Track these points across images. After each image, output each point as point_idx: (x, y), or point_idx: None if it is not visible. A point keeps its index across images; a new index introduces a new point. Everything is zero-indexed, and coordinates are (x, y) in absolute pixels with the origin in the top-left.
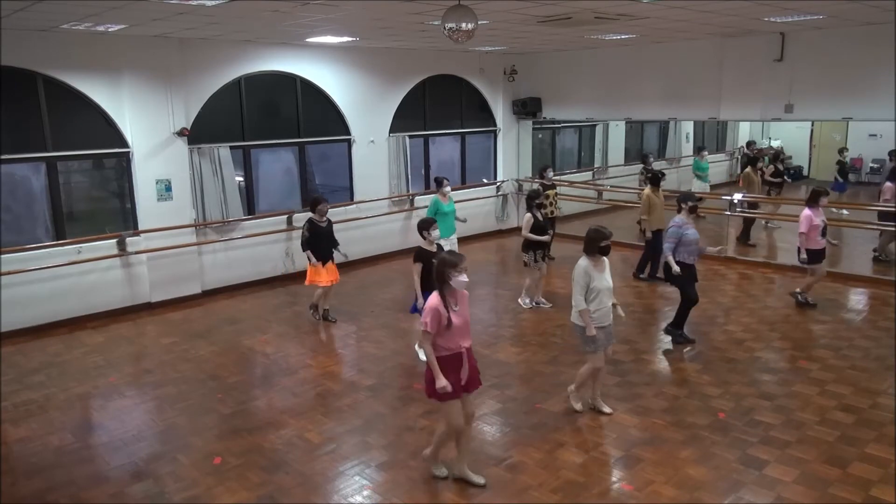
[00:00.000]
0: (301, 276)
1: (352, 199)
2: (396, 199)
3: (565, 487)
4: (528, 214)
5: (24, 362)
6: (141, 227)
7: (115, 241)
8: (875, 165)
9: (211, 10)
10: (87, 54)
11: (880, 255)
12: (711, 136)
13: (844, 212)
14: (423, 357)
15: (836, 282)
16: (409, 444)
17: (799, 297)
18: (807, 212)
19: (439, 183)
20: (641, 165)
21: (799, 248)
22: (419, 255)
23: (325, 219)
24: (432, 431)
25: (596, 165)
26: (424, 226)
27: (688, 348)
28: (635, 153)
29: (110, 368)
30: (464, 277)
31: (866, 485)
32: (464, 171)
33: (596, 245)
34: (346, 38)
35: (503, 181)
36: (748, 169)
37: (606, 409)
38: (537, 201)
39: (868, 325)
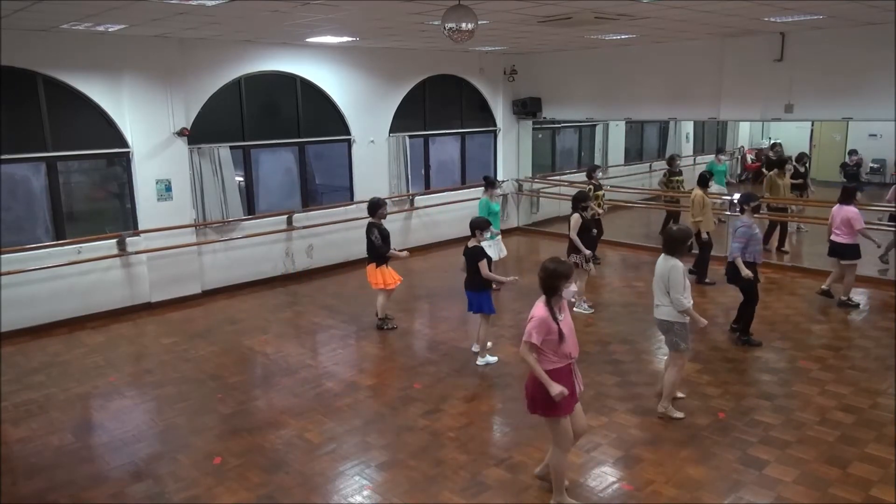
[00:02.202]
0: (301, 276)
1: (352, 199)
2: (396, 199)
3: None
4: (577, 215)
5: (24, 362)
6: (141, 227)
7: (115, 241)
8: (875, 165)
9: (211, 10)
10: (87, 54)
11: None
12: (711, 137)
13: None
14: (491, 361)
15: (836, 281)
16: (409, 444)
17: (850, 301)
18: (851, 208)
19: (492, 184)
20: (667, 168)
21: (862, 243)
22: (482, 252)
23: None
24: (432, 431)
25: (596, 165)
26: (482, 226)
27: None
28: (635, 153)
29: (110, 368)
30: (573, 287)
31: (866, 485)
32: (464, 171)
33: (683, 245)
34: (346, 38)
35: (503, 181)
36: (773, 172)
37: (680, 395)
38: (583, 204)
39: (868, 325)
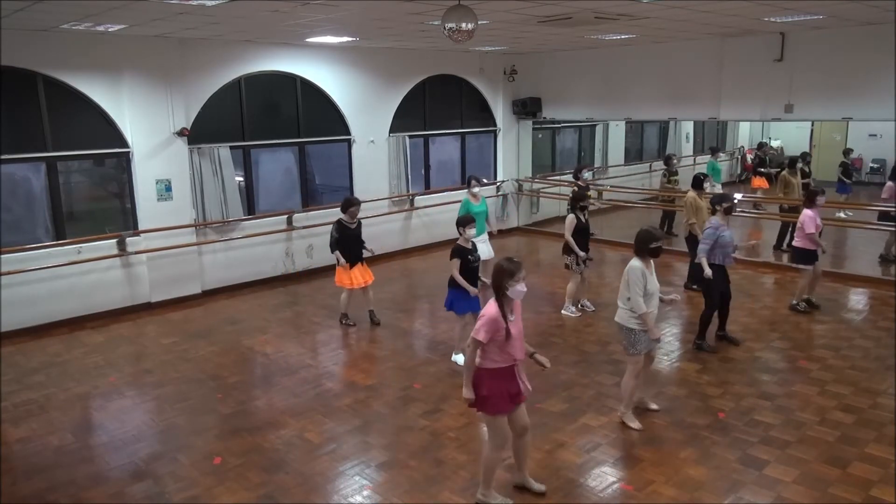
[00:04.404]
0: (301, 276)
1: None
2: (396, 199)
3: (565, 487)
4: (572, 216)
5: (24, 362)
6: (141, 227)
7: (115, 241)
8: (875, 165)
9: (211, 10)
10: (87, 54)
11: (888, 256)
12: (711, 136)
13: (849, 213)
14: (460, 362)
15: (836, 282)
16: (409, 444)
17: (799, 305)
18: (809, 213)
19: (469, 182)
20: (664, 168)
21: (815, 247)
22: (456, 251)
23: (355, 220)
24: (432, 431)
25: (596, 165)
26: (461, 223)
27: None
28: (635, 153)
29: (110, 368)
30: (522, 287)
31: (866, 485)
32: (464, 171)
33: (647, 246)
34: (346, 38)
35: (503, 181)
36: (785, 171)
37: (653, 406)
38: (581, 203)
39: (868, 325)
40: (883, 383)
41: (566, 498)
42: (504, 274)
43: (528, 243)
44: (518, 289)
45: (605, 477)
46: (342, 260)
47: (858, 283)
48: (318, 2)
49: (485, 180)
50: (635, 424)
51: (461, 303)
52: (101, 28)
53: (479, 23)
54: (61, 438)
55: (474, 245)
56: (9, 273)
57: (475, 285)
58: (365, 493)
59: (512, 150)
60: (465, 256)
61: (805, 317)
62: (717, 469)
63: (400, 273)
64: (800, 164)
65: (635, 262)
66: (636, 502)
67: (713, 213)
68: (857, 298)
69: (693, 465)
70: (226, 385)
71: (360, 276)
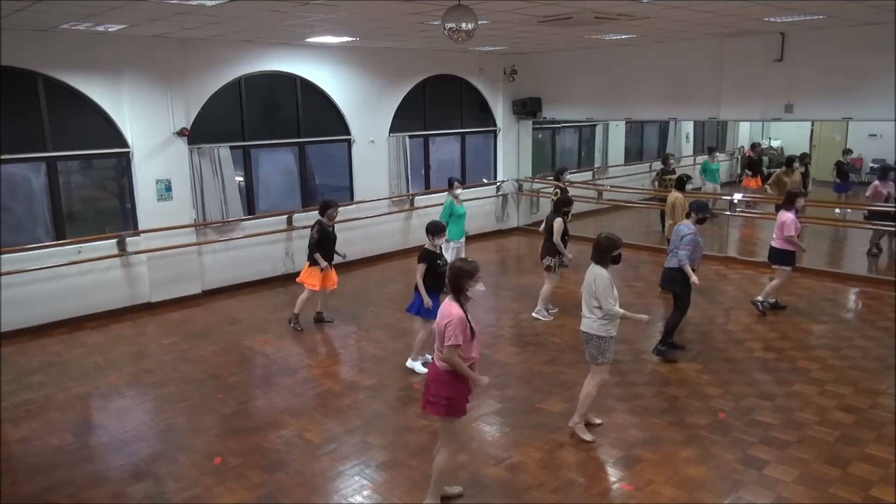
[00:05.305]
0: None
1: (352, 199)
2: (396, 199)
3: (565, 487)
4: (559, 219)
5: (24, 362)
6: (141, 227)
7: (115, 241)
8: (875, 165)
9: (211, 10)
10: (87, 54)
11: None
12: (711, 136)
13: (847, 212)
14: (418, 370)
15: (836, 282)
16: (409, 444)
17: (760, 305)
18: (790, 214)
19: (450, 184)
20: (661, 167)
21: (795, 248)
22: (424, 255)
23: (332, 223)
24: (432, 431)
25: (596, 165)
26: (433, 231)
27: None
28: (635, 153)
29: (110, 368)
30: (480, 287)
31: (866, 485)
32: (464, 171)
33: (609, 254)
34: (346, 38)
35: (503, 181)
36: (780, 170)
37: (597, 420)
38: (566, 209)
39: (868, 325)
40: (883, 383)
41: (566, 498)
42: (464, 275)
43: (527, 243)
44: (478, 288)
45: (605, 477)
46: (323, 263)
47: (858, 283)
48: (318, 2)
49: (485, 180)
50: (588, 437)
51: (431, 307)
52: (101, 28)
53: (479, 23)
54: (61, 438)
55: (442, 250)
56: (9, 273)
57: (441, 290)
58: (365, 493)
59: (512, 150)
60: (434, 262)
61: (805, 317)
62: (717, 469)
63: (400, 273)
64: (796, 165)
65: (601, 271)
66: (636, 502)
67: (688, 216)
68: (857, 298)
69: (693, 465)
70: (226, 385)
71: (327, 278)
